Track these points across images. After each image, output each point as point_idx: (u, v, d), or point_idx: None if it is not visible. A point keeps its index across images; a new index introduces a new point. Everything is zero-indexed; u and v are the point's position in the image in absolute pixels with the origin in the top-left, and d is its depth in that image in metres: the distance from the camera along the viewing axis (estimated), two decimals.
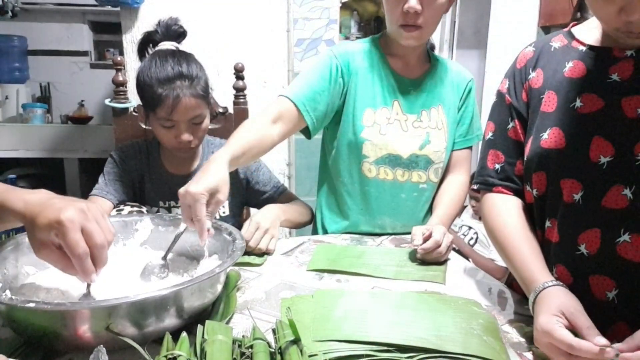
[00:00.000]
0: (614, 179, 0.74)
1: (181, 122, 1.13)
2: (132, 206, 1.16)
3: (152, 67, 1.12)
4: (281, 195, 1.35)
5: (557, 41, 0.88)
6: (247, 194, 1.34)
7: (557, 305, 0.68)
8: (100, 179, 1.24)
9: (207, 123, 1.20)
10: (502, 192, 0.92)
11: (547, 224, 0.84)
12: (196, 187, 0.83)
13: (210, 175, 0.87)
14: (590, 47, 0.82)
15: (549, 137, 0.81)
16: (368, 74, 1.21)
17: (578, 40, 0.84)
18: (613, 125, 0.75)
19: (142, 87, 1.14)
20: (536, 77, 0.88)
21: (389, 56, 1.23)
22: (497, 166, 0.92)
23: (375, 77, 1.22)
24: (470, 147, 1.32)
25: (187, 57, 1.16)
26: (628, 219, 0.73)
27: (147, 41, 1.21)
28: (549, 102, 0.84)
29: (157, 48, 1.18)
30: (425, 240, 1.01)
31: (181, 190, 0.84)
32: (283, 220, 1.18)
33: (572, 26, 0.88)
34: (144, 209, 1.18)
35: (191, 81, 1.12)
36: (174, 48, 1.18)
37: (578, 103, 0.79)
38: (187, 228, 0.87)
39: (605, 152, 0.75)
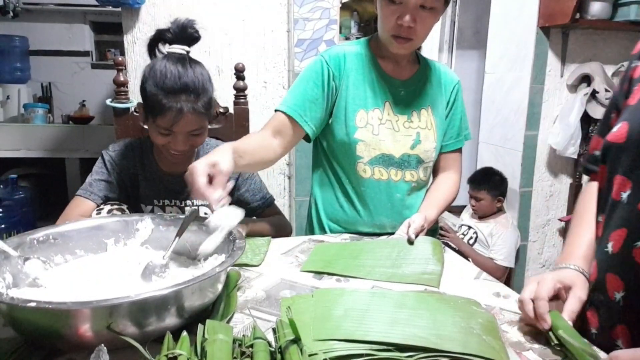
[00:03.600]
0: None
1: (179, 134, 1.13)
2: (112, 204, 1.16)
3: (159, 74, 1.10)
4: (267, 209, 1.36)
5: None
6: (234, 200, 1.34)
7: (561, 277, 0.78)
8: (88, 178, 1.23)
9: (205, 135, 1.19)
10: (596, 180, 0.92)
11: (598, 218, 0.84)
12: (193, 163, 0.90)
13: (210, 155, 0.93)
14: None
15: (617, 130, 0.79)
16: (359, 76, 1.23)
17: None
18: None
19: (147, 91, 1.11)
20: (639, 67, 0.84)
21: (380, 58, 1.25)
22: (596, 153, 0.91)
23: (367, 79, 1.23)
24: (460, 149, 1.34)
25: (196, 68, 1.13)
26: None
27: (158, 39, 1.17)
28: (635, 95, 0.81)
29: (168, 50, 1.15)
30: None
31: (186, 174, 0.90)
32: (247, 226, 1.19)
33: None
34: (125, 206, 1.18)
35: (197, 96, 1.11)
36: (184, 54, 1.15)
37: None
38: (194, 214, 0.90)
39: None
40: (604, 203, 0.82)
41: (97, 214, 1.15)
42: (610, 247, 0.77)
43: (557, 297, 0.78)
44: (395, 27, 1.13)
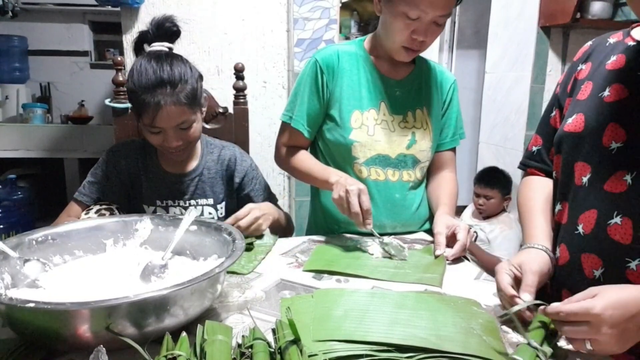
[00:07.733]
0: (619, 165, 0.78)
1: (167, 129, 1.11)
2: (100, 204, 1.16)
3: (135, 72, 1.09)
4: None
5: (615, 37, 0.90)
6: (238, 199, 1.33)
7: (520, 260, 0.82)
8: (85, 181, 1.23)
9: (196, 127, 1.16)
10: (535, 174, 1.01)
11: (558, 206, 0.88)
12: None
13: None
14: (638, 42, 0.83)
15: (572, 122, 0.86)
16: (354, 76, 1.23)
17: (632, 37, 0.86)
18: (631, 114, 0.78)
19: (129, 91, 1.12)
20: (584, 70, 0.91)
21: (375, 58, 1.25)
22: (535, 149, 1.02)
23: (362, 79, 1.23)
24: (455, 148, 1.35)
25: (172, 61, 1.11)
26: (623, 203, 0.76)
27: (142, 41, 1.18)
28: (584, 91, 0.87)
29: (149, 49, 1.15)
30: (448, 238, 1.09)
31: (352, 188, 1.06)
32: (276, 218, 1.23)
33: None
34: (114, 207, 1.18)
35: (173, 88, 1.08)
36: (164, 49, 1.15)
37: (606, 92, 0.82)
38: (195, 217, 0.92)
39: (618, 138, 0.78)
40: (565, 190, 0.87)
41: (86, 214, 1.15)
42: (581, 229, 0.82)
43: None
44: (408, 40, 1.14)
